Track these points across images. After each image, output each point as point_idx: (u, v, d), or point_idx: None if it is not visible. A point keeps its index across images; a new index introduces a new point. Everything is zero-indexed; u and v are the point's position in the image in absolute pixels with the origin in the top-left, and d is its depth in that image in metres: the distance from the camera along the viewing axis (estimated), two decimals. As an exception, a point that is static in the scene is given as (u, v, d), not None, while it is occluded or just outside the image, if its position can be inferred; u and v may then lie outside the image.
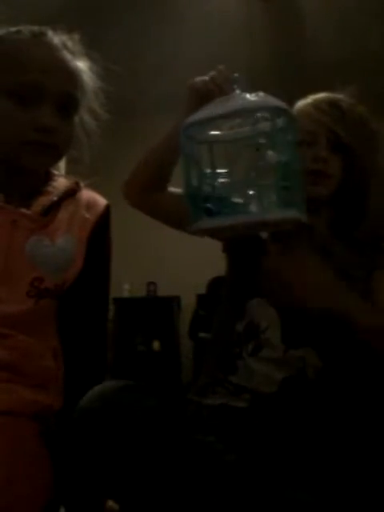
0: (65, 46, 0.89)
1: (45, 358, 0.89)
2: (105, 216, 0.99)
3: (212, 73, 0.87)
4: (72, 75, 0.89)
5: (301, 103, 1.03)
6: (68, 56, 0.89)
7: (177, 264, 4.34)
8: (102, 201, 1.01)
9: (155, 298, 4.42)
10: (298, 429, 0.84)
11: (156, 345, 4.21)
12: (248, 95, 0.78)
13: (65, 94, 0.87)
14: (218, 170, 0.82)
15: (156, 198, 1.00)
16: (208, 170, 0.81)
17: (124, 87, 4.60)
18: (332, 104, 0.99)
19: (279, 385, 0.88)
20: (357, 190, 0.98)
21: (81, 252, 0.94)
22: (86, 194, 1.00)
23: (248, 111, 0.77)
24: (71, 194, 0.96)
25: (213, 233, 0.87)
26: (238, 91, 0.81)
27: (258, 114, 0.77)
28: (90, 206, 0.98)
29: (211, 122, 0.80)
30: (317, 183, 0.97)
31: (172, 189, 1.01)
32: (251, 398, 0.88)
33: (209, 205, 0.77)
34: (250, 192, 0.78)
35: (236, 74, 0.84)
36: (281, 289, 0.84)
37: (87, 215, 0.96)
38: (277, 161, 0.76)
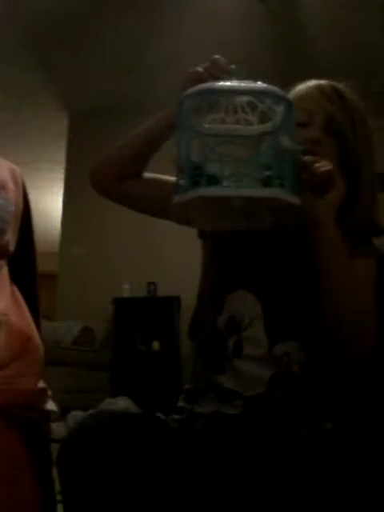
0: None
1: (18, 324, 0.89)
2: (24, 182, 1.05)
3: (212, 59, 0.85)
4: None
5: (302, 85, 1.00)
6: None
7: (177, 264, 4.33)
8: (15, 167, 1.06)
9: (155, 298, 4.41)
10: (290, 432, 0.82)
11: (156, 345, 4.20)
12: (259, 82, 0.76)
13: None
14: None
15: (131, 184, 0.97)
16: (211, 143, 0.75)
17: (124, 86, 4.62)
18: (335, 90, 0.96)
19: (267, 384, 0.85)
20: (349, 180, 0.91)
21: (18, 214, 0.99)
22: (1, 159, 1.04)
23: (264, 93, 0.75)
24: None
25: (196, 210, 0.80)
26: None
27: (265, 101, 0.74)
28: (12, 171, 1.03)
29: (219, 94, 0.76)
30: None
31: (147, 174, 0.98)
32: (243, 404, 0.85)
33: (212, 173, 0.72)
34: (264, 173, 0.74)
35: (233, 66, 0.82)
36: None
37: (14, 180, 1.01)
38: (289, 147, 0.75)
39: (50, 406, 0.93)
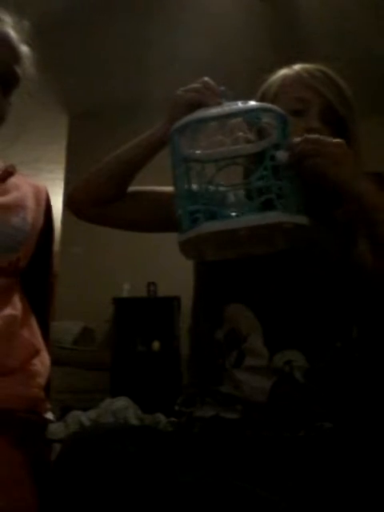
0: (13, 26, 0.94)
1: (26, 336, 0.88)
2: (48, 199, 1.05)
3: (200, 81, 0.82)
4: (18, 52, 0.93)
5: (288, 70, 0.95)
6: (15, 35, 0.93)
7: (177, 264, 4.32)
8: (42, 185, 1.06)
9: (155, 298, 4.41)
10: (290, 434, 0.82)
11: (156, 345, 4.19)
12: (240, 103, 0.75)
13: (8, 69, 0.91)
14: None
15: (114, 207, 0.91)
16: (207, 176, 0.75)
17: (124, 87, 4.61)
18: (325, 73, 0.91)
19: (269, 394, 0.83)
20: None
21: (35, 233, 0.98)
22: (24, 178, 1.03)
23: (259, 111, 0.73)
24: (10, 174, 0.99)
25: (203, 245, 0.77)
26: (226, 102, 0.77)
27: (263, 119, 0.74)
28: (35, 190, 1.02)
29: (211, 121, 0.74)
30: None
31: (132, 188, 0.93)
32: (243, 408, 0.84)
33: (212, 208, 0.71)
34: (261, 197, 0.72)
35: (222, 87, 0.80)
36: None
37: (36, 199, 1.01)
38: (286, 161, 0.73)
39: (49, 416, 0.94)
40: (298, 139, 0.76)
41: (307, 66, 0.94)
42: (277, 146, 0.74)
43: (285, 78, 0.94)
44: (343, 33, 3.65)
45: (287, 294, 0.89)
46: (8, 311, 0.89)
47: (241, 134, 0.75)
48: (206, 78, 0.82)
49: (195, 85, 0.82)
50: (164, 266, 4.40)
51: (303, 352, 0.86)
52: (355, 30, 3.62)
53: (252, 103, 0.74)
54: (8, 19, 0.94)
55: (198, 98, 0.80)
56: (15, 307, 0.92)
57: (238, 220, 0.70)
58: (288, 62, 0.97)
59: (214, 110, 0.75)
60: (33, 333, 0.94)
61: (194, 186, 0.74)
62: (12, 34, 0.93)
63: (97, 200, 0.91)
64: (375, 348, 0.90)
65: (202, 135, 0.75)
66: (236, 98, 0.77)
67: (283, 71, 0.96)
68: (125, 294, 4.42)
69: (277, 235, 0.75)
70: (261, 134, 0.78)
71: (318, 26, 3.59)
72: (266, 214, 0.69)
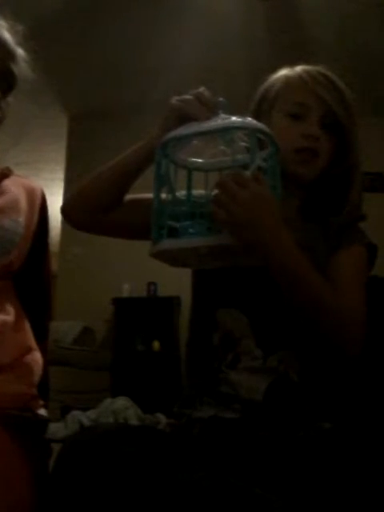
0: (7, 29, 0.96)
1: (6, 336, 0.89)
2: (43, 200, 1.05)
3: (194, 92, 0.81)
4: (12, 51, 0.95)
5: (291, 71, 0.94)
6: (10, 36, 0.95)
7: (177, 264, 4.33)
8: (38, 186, 1.05)
9: (155, 298, 4.41)
10: (289, 434, 0.82)
11: (156, 345, 4.20)
12: (233, 117, 0.74)
13: (5, 67, 0.93)
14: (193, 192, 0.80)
15: (110, 216, 0.89)
16: (182, 192, 0.78)
17: (124, 87, 4.61)
18: (327, 77, 0.90)
19: (264, 394, 0.84)
20: (343, 176, 0.90)
21: (29, 235, 0.97)
22: (20, 179, 1.03)
23: (233, 130, 0.73)
24: (5, 176, 0.99)
25: (174, 257, 0.78)
26: (222, 114, 0.76)
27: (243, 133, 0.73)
28: (29, 191, 1.02)
29: (192, 138, 0.75)
30: (303, 163, 0.89)
31: (129, 197, 0.92)
32: (242, 407, 0.84)
33: (172, 224, 0.72)
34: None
35: (221, 98, 0.79)
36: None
37: (30, 200, 1.01)
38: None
39: (42, 412, 0.94)
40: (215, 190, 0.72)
41: (309, 68, 0.93)
42: (245, 166, 0.73)
43: (286, 79, 0.93)
44: (343, 33, 3.65)
45: (277, 297, 0.88)
46: (3, 314, 0.89)
47: (242, 144, 0.74)
48: (202, 89, 0.81)
49: (188, 96, 0.81)
50: (164, 266, 4.35)
51: (296, 352, 0.86)
52: (355, 30, 3.62)
53: (233, 119, 0.74)
54: (2, 22, 0.96)
55: (187, 111, 0.79)
56: (7, 310, 0.91)
57: (187, 240, 0.72)
58: (288, 63, 0.96)
59: (192, 128, 0.75)
60: (24, 333, 0.94)
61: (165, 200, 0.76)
62: (6, 35, 0.95)
63: (93, 208, 0.89)
64: (369, 346, 0.91)
65: (204, 146, 0.76)
66: (234, 107, 0.77)
67: (284, 72, 0.95)
68: (125, 294, 4.42)
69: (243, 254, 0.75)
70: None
71: (318, 26, 3.59)
72: (211, 237, 0.71)
